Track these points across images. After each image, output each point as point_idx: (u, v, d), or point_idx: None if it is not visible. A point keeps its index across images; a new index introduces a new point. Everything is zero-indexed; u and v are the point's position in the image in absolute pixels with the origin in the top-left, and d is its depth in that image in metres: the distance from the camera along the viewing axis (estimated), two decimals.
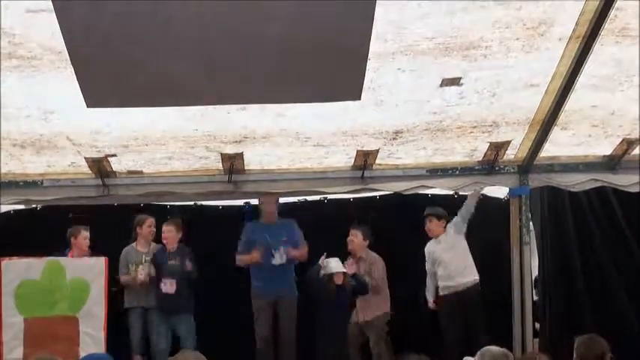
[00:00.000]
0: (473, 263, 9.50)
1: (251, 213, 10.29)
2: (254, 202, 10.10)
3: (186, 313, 9.70)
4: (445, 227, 9.56)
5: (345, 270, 9.32)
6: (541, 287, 10.33)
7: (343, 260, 9.45)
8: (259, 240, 9.73)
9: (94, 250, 9.70)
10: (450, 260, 9.45)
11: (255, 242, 9.74)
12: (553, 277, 10.30)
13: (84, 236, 9.75)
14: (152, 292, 9.78)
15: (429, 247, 9.61)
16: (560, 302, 10.24)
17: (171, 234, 9.76)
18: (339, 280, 9.29)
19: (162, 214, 10.12)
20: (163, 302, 9.63)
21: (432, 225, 9.57)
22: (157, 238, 9.91)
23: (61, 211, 9.86)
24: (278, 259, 9.71)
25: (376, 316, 9.79)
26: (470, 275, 9.44)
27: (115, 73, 7.03)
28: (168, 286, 9.58)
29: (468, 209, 9.50)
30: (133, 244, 9.91)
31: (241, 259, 9.80)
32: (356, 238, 9.83)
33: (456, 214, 9.54)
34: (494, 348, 6.03)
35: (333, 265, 9.30)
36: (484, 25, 6.92)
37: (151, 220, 9.87)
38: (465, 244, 9.49)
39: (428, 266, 9.64)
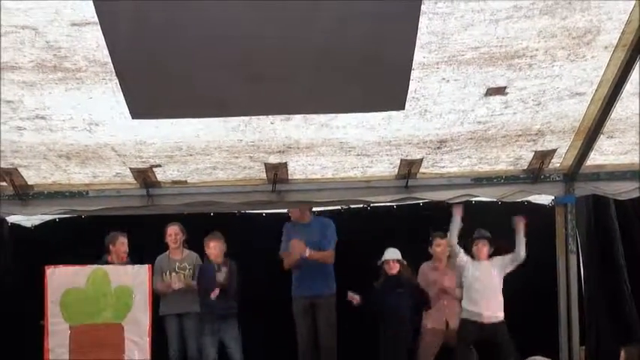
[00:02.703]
0: (502, 301, 9.42)
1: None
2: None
3: (232, 320, 9.74)
4: (489, 250, 9.48)
5: (401, 259, 9.39)
6: (587, 296, 10.24)
7: None
8: (295, 237, 9.83)
9: (133, 257, 9.77)
10: (484, 290, 9.36)
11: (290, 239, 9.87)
12: (599, 285, 10.20)
13: (122, 242, 9.86)
14: (188, 298, 9.85)
15: (470, 264, 9.49)
16: (606, 311, 10.15)
17: (215, 250, 9.81)
18: (393, 269, 9.33)
19: (205, 224, 10.16)
20: (210, 309, 9.67)
21: (482, 248, 9.49)
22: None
23: (106, 220, 9.93)
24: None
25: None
26: (498, 312, 9.37)
27: (159, 85, 7.07)
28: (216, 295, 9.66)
29: (455, 224, 9.41)
30: (167, 252, 9.98)
31: (286, 261, 9.90)
32: (439, 246, 9.89)
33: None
34: (539, 358, 5.99)
35: (390, 252, 9.36)
36: (529, 35, 6.86)
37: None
38: (501, 280, 9.42)
39: (460, 254, 9.50)
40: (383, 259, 9.60)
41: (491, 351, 9.37)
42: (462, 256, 9.48)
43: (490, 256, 9.51)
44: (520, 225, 9.41)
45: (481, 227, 9.77)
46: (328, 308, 9.91)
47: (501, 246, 9.55)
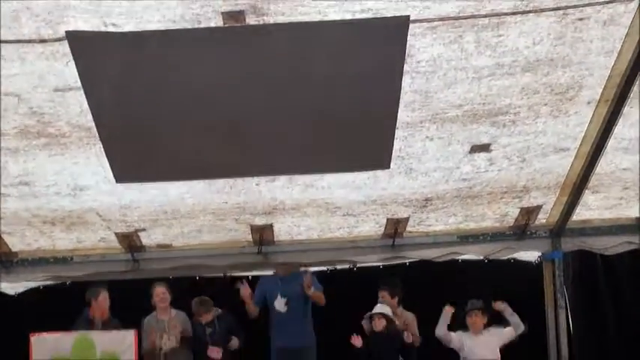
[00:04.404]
0: None
1: None
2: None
3: None
4: (484, 319, 9.36)
5: (389, 314, 9.29)
6: (577, 352, 10.18)
7: None
8: (269, 289, 9.72)
9: (116, 315, 9.67)
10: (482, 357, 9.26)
11: (266, 296, 9.74)
12: (588, 341, 10.17)
13: (104, 297, 9.73)
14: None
15: (465, 339, 9.33)
16: None
17: (206, 314, 9.77)
18: (379, 326, 9.25)
19: (191, 287, 10.09)
20: None
21: (475, 320, 9.35)
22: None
23: (91, 286, 9.86)
24: (277, 305, 9.71)
25: None
26: None
27: (143, 148, 7.06)
28: (215, 353, 9.56)
29: (444, 319, 9.28)
30: (154, 313, 9.88)
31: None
32: (384, 299, 9.75)
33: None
34: None
35: (377, 307, 9.29)
36: (512, 92, 6.90)
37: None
38: (498, 350, 9.34)
39: (451, 336, 9.36)
40: (369, 314, 9.51)
41: None
42: (455, 339, 9.33)
43: (486, 325, 9.39)
44: (501, 307, 9.29)
45: (467, 285, 9.73)
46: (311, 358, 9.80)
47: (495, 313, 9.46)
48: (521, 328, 9.22)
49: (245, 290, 9.73)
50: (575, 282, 10.12)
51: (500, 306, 9.23)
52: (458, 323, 9.38)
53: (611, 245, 9.26)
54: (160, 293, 9.92)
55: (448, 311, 9.13)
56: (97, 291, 9.76)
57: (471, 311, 9.30)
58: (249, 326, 10.00)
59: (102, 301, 9.73)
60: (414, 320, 9.76)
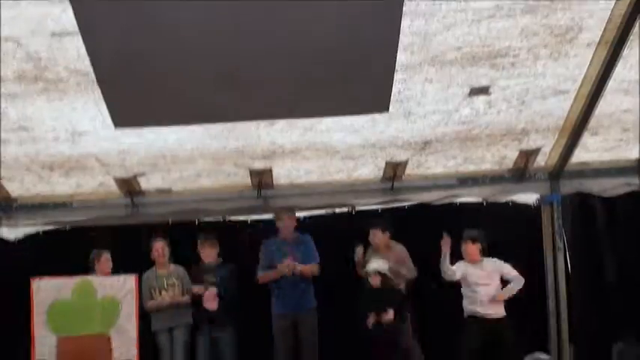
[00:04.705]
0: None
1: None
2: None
3: (229, 328, 9.69)
4: (482, 251, 9.40)
5: (384, 271, 9.32)
6: (575, 293, 10.24)
7: None
8: (277, 257, 9.71)
9: (118, 271, 9.70)
10: (486, 290, 9.29)
11: (274, 259, 9.72)
12: (586, 283, 10.21)
13: (106, 258, 9.78)
14: (180, 312, 9.79)
15: (465, 268, 9.38)
16: (594, 309, 10.16)
17: (207, 250, 9.76)
18: (375, 282, 9.28)
19: (192, 233, 10.10)
20: (205, 318, 9.62)
21: (470, 249, 9.39)
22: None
23: (90, 231, 9.88)
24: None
25: None
26: (500, 308, 9.32)
27: (141, 93, 7.01)
28: (211, 301, 9.58)
29: (445, 258, 9.31)
30: (153, 268, 9.91)
31: (265, 275, 9.77)
32: (375, 236, 9.80)
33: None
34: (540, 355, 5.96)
35: (373, 264, 9.33)
36: (511, 34, 6.87)
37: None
38: (498, 279, 9.38)
39: (455, 268, 9.39)
40: (366, 269, 9.53)
41: (496, 349, 9.32)
42: (457, 270, 9.36)
43: (482, 255, 9.43)
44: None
45: (466, 228, 9.75)
46: (310, 325, 9.79)
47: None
48: (521, 281, 9.30)
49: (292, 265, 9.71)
50: (573, 224, 10.12)
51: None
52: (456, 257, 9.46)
53: (610, 187, 9.26)
54: (159, 248, 9.94)
55: (446, 241, 9.15)
56: (99, 253, 9.82)
57: (467, 240, 9.37)
58: (249, 287, 10.01)
59: (104, 263, 9.79)
60: (406, 252, 9.83)
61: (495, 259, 9.38)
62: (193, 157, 8.36)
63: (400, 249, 9.85)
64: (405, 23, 6.51)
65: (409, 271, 9.76)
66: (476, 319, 9.27)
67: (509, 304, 9.46)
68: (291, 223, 9.78)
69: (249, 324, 9.88)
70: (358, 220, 10.25)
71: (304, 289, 9.76)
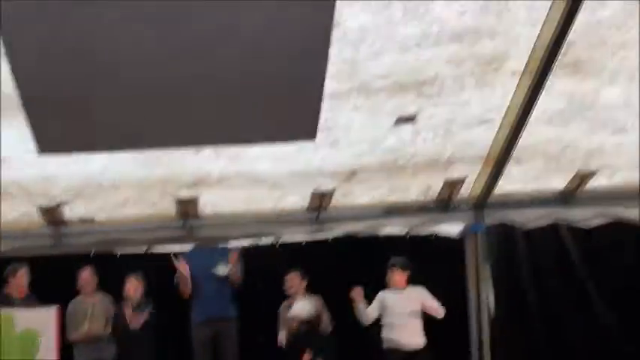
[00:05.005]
0: (421, 328, 9.44)
1: None
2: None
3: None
4: (408, 279, 9.48)
5: (300, 316, 9.30)
6: (498, 324, 10.31)
7: None
8: (198, 263, 9.71)
9: (36, 294, 9.54)
10: (406, 317, 9.34)
11: (194, 266, 9.73)
12: (509, 314, 10.29)
13: (22, 274, 9.62)
14: (102, 344, 9.67)
15: (384, 295, 9.46)
16: (517, 339, 10.24)
17: (133, 287, 9.68)
18: (295, 326, 9.29)
19: (114, 263, 10.00)
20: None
21: (396, 276, 9.46)
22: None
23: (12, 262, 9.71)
24: (221, 270, 9.71)
25: None
26: (420, 338, 9.37)
27: (67, 118, 6.90)
28: (136, 321, 9.51)
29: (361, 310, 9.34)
30: (79, 297, 9.78)
31: (182, 286, 9.75)
32: (293, 281, 9.84)
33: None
34: None
35: (297, 308, 9.33)
36: (438, 62, 6.92)
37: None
38: (419, 310, 9.45)
39: (370, 310, 9.47)
40: (289, 314, 9.55)
41: None
42: (375, 306, 9.42)
43: (408, 283, 9.49)
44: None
45: (390, 259, 9.80)
46: (231, 336, 9.80)
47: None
48: (441, 314, 9.37)
49: (184, 267, 9.69)
50: (496, 255, 10.19)
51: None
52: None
53: (533, 218, 9.38)
54: (85, 277, 9.83)
55: (358, 292, 9.22)
56: (14, 268, 9.64)
57: (393, 267, 9.43)
58: (171, 302, 9.95)
59: (20, 278, 9.61)
60: (321, 304, 9.86)
61: (420, 288, 9.44)
62: (118, 185, 8.26)
63: (317, 301, 9.88)
64: (332, 51, 6.52)
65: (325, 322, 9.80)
66: (395, 349, 9.30)
67: (431, 334, 9.52)
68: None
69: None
70: (282, 252, 10.28)
71: (226, 296, 9.78)
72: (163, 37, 6.20)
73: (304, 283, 10.06)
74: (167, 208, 8.86)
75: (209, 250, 10.00)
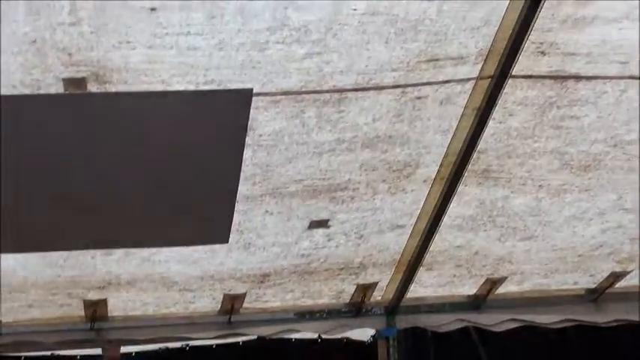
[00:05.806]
0: None
1: None
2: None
3: None
4: None
5: None
6: None
7: None
8: None
9: None
10: None
11: None
12: None
13: None
14: None
15: None
16: None
17: None
18: None
19: None
20: None
21: None
22: None
23: None
24: None
25: None
26: None
27: None
28: None
29: None
30: None
31: None
32: None
33: None
34: None
35: None
36: (351, 167, 6.98)
37: None
38: None
39: None
40: None
41: None
42: None
43: None
44: None
45: None
46: None
47: None
48: None
49: None
50: (408, 359, 10.21)
51: None
52: None
53: (444, 322, 9.41)
54: None
55: None
56: None
57: None
58: None
59: None
60: None
61: None
62: (26, 287, 8.08)
63: None
64: (247, 154, 6.55)
65: None
66: None
67: None
68: (114, 355, 9.56)
69: None
70: (192, 356, 10.13)
71: None
72: (76, 138, 6.16)
73: None
74: (75, 310, 8.68)
75: None
